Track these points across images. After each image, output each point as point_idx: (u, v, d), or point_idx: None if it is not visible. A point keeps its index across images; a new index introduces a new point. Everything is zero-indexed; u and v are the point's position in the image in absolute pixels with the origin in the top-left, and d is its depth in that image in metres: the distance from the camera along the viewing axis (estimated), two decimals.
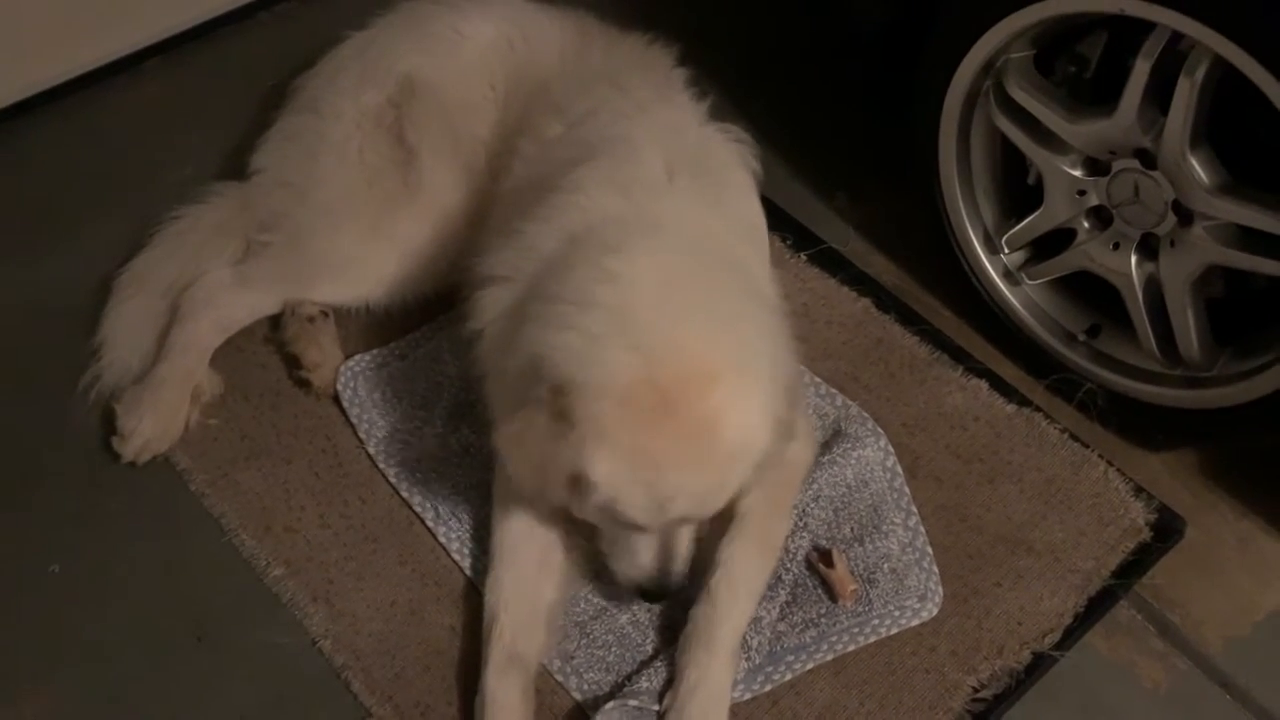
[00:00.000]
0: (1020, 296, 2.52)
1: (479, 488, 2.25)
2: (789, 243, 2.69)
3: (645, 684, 2.02)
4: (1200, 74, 2.02)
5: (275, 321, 2.50)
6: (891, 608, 2.15)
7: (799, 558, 2.18)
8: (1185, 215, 2.18)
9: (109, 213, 2.72)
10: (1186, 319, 2.26)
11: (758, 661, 2.06)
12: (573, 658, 2.10)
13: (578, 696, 2.07)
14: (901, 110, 2.50)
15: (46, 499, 2.31)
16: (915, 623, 2.14)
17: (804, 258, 2.68)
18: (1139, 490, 2.32)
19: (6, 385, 2.46)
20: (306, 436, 2.39)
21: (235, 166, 2.67)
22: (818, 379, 2.46)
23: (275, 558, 2.22)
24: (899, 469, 2.33)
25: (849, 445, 2.32)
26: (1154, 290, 2.30)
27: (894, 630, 2.13)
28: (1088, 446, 2.38)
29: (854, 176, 2.90)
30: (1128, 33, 2.14)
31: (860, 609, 2.14)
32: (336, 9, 2.84)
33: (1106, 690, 2.13)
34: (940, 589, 2.18)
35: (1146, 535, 2.27)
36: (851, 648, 2.11)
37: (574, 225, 1.97)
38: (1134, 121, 2.14)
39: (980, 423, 2.42)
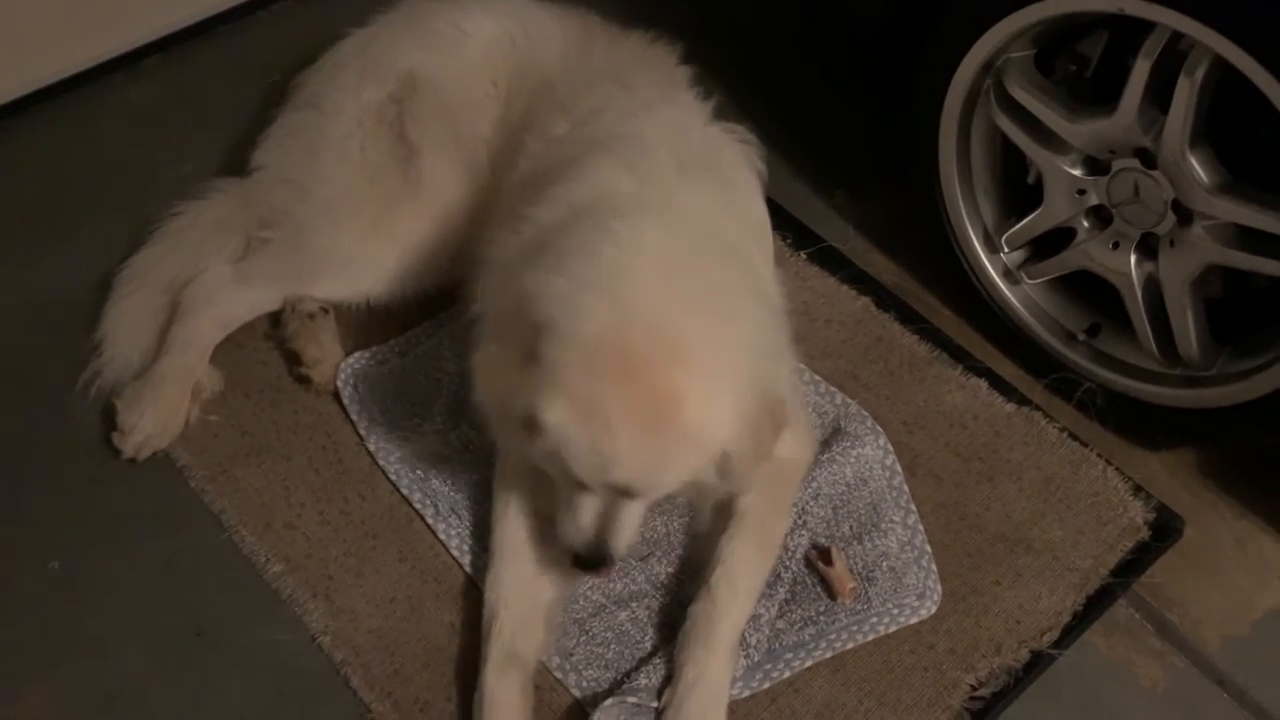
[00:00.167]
0: (1020, 295, 2.52)
1: (478, 485, 2.25)
2: (789, 241, 2.69)
3: (644, 681, 2.02)
4: (1200, 74, 2.03)
5: (276, 318, 2.50)
6: (890, 606, 2.15)
7: (798, 555, 2.18)
8: (1185, 215, 2.18)
9: (109, 210, 2.72)
10: (1186, 318, 2.26)
11: (756, 659, 2.07)
12: (572, 655, 2.10)
13: (577, 693, 2.07)
14: (902, 109, 2.50)
15: (46, 495, 2.31)
16: (914, 621, 2.14)
17: (804, 256, 2.69)
18: (1138, 489, 2.33)
19: (6, 382, 2.46)
20: (306, 433, 2.39)
21: (235, 163, 2.67)
22: (817, 377, 2.46)
23: (275, 554, 2.22)
24: (898, 467, 2.33)
25: (848, 443, 2.32)
26: (1153, 290, 2.30)
27: (893, 628, 2.13)
28: (1087, 445, 2.39)
29: (854, 175, 2.90)
30: (1128, 32, 2.14)
31: (859, 607, 2.15)
32: (337, 6, 2.84)
33: (1105, 689, 2.13)
34: (939, 587, 2.18)
35: (1145, 534, 2.28)
36: (850, 645, 2.11)
37: (583, 198, 1.97)
38: (1134, 121, 2.14)
39: (979, 421, 2.43)
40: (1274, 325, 2.23)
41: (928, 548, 2.23)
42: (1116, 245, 2.32)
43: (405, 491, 2.30)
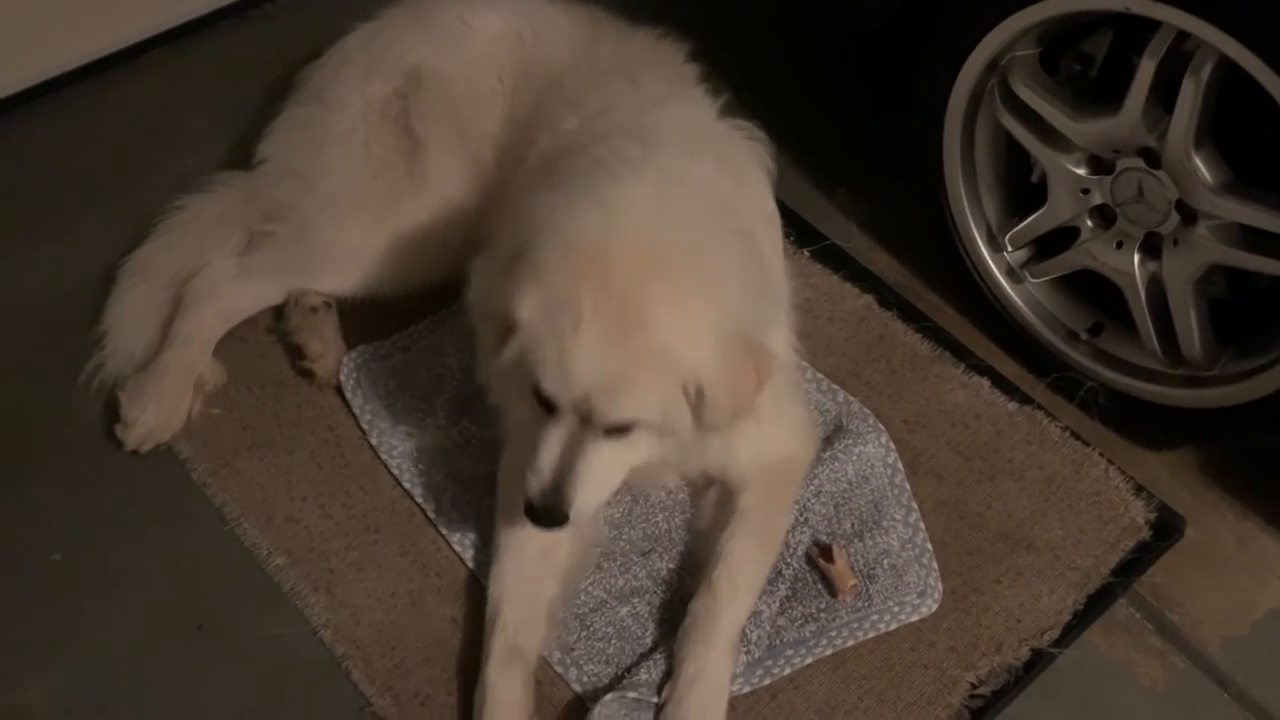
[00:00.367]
0: (1023, 294, 2.52)
1: (481, 480, 2.25)
2: (792, 239, 2.68)
3: (644, 676, 2.03)
4: (1205, 73, 2.02)
5: (278, 312, 2.50)
6: (891, 603, 2.15)
7: (799, 553, 2.18)
8: (1189, 214, 2.18)
9: (112, 203, 2.72)
10: (1189, 318, 2.26)
11: (757, 655, 2.07)
12: (573, 650, 2.10)
13: (577, 688, 2.07)
14: (906, 107, 2.50)
15: (49, 487, 2.31)
16: (914, 619, 2.15)
17: (806, 254, 2.69)
18: (1139, 489, 2.33)
19: (9, 374, 2.47)
20: (309, 427, 2.39)
21: (239, 158, 2.67)
22: (820, 374, 2.46)
23: (276, 547, 2.22)
24: (900, 465, 2.33)
25: (850, 441, 2.32)
26: (1156, 289, 2.30)
27: (893, 626, 2.13)
28: (1088, 445, 2.39)
29: (857, 173, 2.90)
30: (1133, 31, 2.14)
31: (860, 604, 2.15)
32: (342, 0, 2.83)
33: (1105, 688, 2.13)
34: (940, 585, 2.19)
35: (1146, 534, 2.28)
36: (851, 643, 2.11)
37: (596, 159, 1.96)
38: (1139, 120, 2.14)
39: (981, 420, 2.43)
40: (1277, 325, 2.23)
41: (929, 546, 2.23)
42: (1120, 245, 2.32)
43: (407, 486, 2.30)
